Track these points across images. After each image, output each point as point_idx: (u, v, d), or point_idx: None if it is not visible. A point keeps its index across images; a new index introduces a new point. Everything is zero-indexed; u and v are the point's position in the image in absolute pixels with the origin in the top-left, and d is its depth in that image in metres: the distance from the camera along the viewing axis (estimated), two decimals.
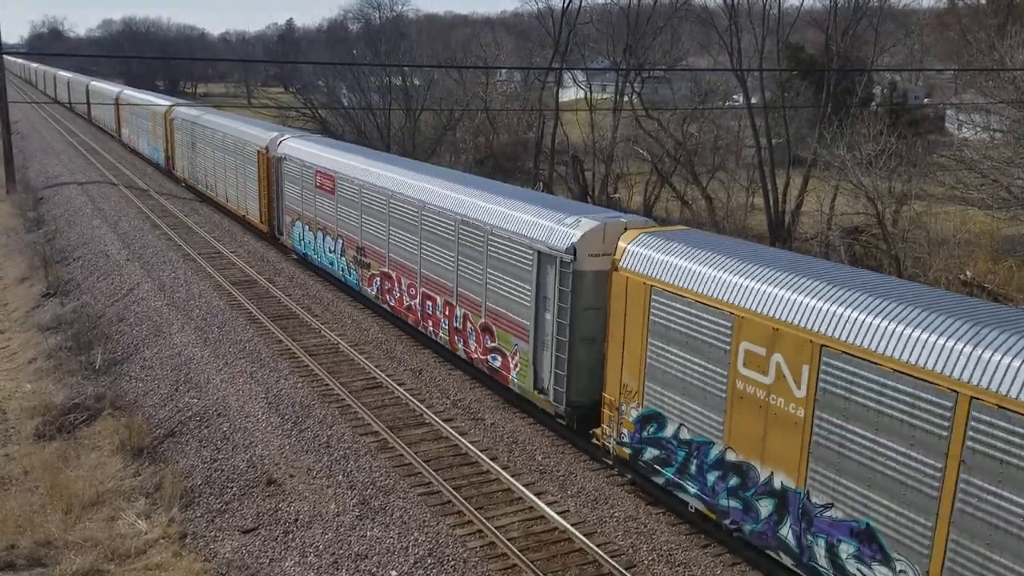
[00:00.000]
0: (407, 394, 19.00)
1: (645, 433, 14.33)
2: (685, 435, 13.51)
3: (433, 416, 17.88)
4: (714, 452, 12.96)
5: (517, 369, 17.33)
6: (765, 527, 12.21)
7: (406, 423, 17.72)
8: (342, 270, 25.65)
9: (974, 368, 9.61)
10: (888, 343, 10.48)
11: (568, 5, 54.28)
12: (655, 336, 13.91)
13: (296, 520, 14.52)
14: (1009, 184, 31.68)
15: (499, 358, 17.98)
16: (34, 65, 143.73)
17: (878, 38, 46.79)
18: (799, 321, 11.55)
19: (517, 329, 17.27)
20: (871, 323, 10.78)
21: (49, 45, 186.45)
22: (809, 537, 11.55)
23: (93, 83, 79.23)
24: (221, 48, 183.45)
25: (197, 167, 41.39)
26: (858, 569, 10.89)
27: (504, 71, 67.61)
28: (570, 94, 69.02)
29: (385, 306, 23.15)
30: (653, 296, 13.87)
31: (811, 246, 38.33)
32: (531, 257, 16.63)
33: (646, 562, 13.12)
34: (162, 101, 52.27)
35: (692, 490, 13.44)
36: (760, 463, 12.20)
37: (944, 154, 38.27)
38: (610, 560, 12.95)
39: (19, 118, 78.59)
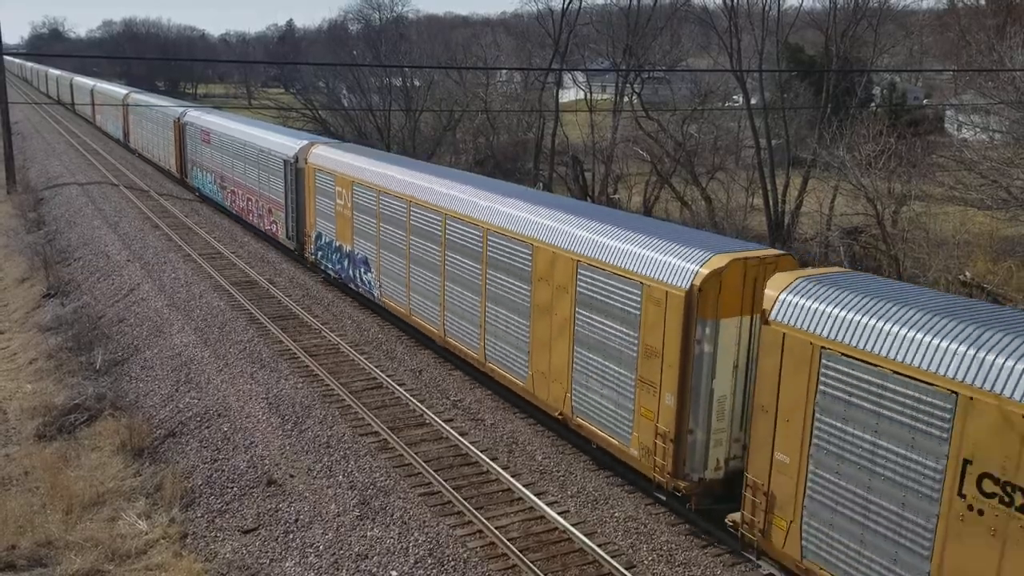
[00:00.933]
0: (407, 394, 19.02)
1: (318, 246, 27.19)
2: (327, 241, 26.34)
3: (433, 416, 17.90)
4: (334, 245, 25.71)
5: (281, 230, 30.82)
6: (346, 271, 25.33)
7: (406, 423, 17.75)
8: (214, 192, 39.40)
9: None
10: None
11: (568, 6, 54.32)
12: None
13: (296, 520, 14.54)
14: (1008, 185, 31.69)
15: (275, 226, 31.54)
16: (31, 65, 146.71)
17: (878, 39, 46.79)
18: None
19: (279, 207, 30.57)
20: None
21: (49, 46, 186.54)
22: (354, 271, 24.45)
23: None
24: (221, 49, 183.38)
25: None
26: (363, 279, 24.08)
27: (504, 72, 67.61)
28: (570, 95, 69.07)
29: (233, 209, 36.99)
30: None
31: (811, 247, 38.34)
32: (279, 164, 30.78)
33: (646, 562, 13.14)
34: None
35: (331, 267, 26.32)
36: (344, 243, 24.94)
37: (943, 155, 38.28)
38: (610, 560, 12.97)
39: (19, 119, 78.63)
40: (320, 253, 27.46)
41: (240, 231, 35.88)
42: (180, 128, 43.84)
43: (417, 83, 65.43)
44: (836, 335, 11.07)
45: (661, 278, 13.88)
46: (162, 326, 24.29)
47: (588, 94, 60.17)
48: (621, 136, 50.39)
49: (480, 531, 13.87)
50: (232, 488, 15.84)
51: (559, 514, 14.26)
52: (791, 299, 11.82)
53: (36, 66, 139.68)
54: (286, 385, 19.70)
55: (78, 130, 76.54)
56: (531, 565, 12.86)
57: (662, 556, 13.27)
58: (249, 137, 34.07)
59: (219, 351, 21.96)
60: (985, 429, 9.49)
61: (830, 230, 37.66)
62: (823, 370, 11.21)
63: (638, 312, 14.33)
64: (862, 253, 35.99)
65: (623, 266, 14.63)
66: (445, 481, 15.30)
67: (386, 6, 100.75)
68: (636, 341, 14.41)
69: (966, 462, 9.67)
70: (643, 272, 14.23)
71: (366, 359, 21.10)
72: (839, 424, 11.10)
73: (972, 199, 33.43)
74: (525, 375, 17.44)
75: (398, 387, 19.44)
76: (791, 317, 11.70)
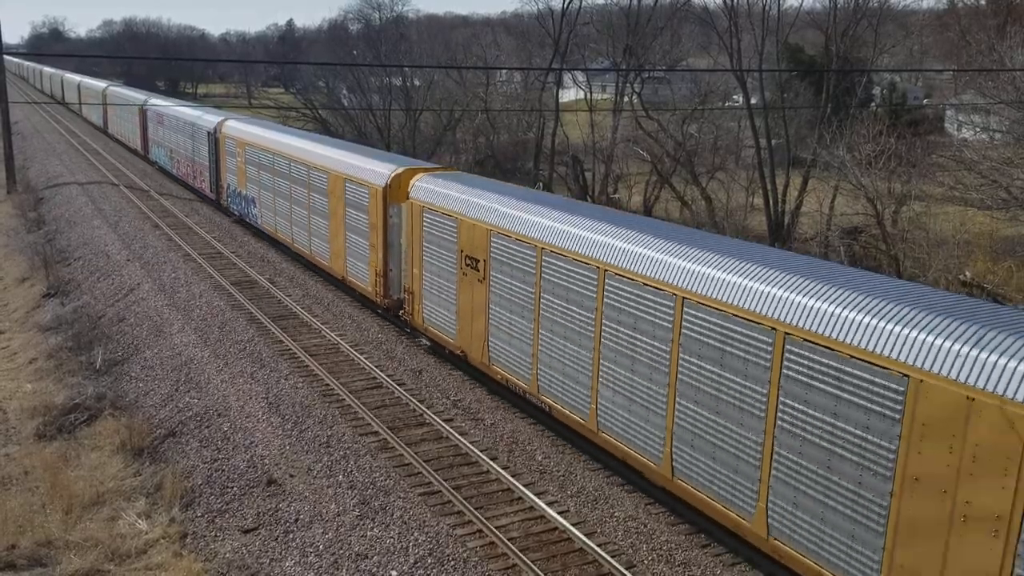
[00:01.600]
0: (407, 394, 19.03)
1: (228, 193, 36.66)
2: (233, 189, 35.44)
3: (433, 416, 17.91)
4: (237, 191, 35.01)
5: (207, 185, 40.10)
6: (243, 209, 34.67)
7: (406, 423, 17.75)
8: (167, 163, 48.56)
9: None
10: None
11: (568, 6, 54.36)
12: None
13: (296, 520, 14.55)
14: (1008, 184, 31.71)
15: (204, 183, 40.56)
16: (27, 64, 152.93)
17: (878, 39, 46.84)
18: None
19: (205, 168, 39.57)
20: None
21: (49, 46, 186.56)
22: (247, 208, 34.33)
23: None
24: (221, 49, 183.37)
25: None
26: (251, 213, 34.18)
27: (504, 72, 67.61)
28: (570, 95, 69.08)
29: (178, 175, 46.31)
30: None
31: (811, 246, 38.35)
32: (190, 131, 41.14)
33: (646, 562, 13.14)
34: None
35: (235, 207, 35.59)
36: (241, 189, 34.54)
37: (943, 155, 38.30)
38: (610, 560, 12.98)
39: (19, 118, 78.62)
40: (229, 199, 37.03)
41: (240, 231, 35.93)
42: (143, 114, 53.61)
43: (417, 83, 65.46)
44: (430, 200, 20.28)
45: (369, 180, 23.16)
46: (162, 326, 24.30)
47: (588, 94, 60.21)
48: (621, 136, 50.43)
49: (480, 531, 13.87)
50: (232, 488, 15.85)
51: (559, 514, 14.26)
52: (417, 186, 21.14)
53: (31, 64, 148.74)
54: (286, 385, 19.70)
55: (78, 129, 76.55)
56: (531, 565, 12.87)
57: (662, 556, 13.28)
58: (187, 117, 42.94)
59: (219, 351, 21.97)
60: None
61: (830, 230, 37.68)
62: (425, 222, 20.46)
63: (367, 200, 23.22)
64: (862, 253, 36.01)
65: (356, 176, 24.13)
66: (445, 481, 15.31)
67: (386, 6, 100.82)
68: (367, 219, 23.38)
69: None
70: (358, 177, 23.85)
71: (366, 359, 21.11)
72: (432, 247, 20.29)
73: (972, 199, 33.45)
74: (300, 241, 29.19)
75: (398, 387, 19.45)
76: (415, 195, 21.01)
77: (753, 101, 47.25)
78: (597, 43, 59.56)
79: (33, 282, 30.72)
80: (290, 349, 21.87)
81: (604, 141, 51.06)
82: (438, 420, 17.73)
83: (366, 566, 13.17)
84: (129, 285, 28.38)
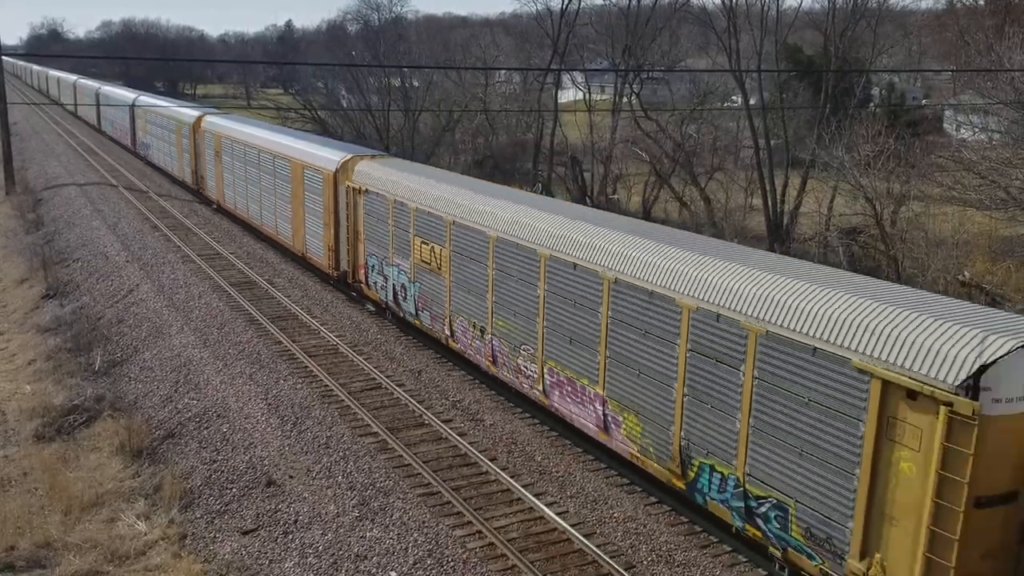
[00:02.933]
0: (406, 395, 19.02)
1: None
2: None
3: (432, 417, 17.90)
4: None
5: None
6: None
7: (405, 424, 17.75)
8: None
9: None
10: None
11: (567, 6, 54.34)
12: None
13: (296, 521, 14.54)
14: (1007, 185, 31.69)
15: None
16: (22, 64, 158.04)
17: (876, 39, 46.79)
18: None
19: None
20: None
21: (48, 46, 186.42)
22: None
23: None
24: (220, 49, 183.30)
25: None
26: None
27: (503, 72, 67.59)
28: (569, 95, 69.03)
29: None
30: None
31: (810, 247, 38.35)
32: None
33: (645, 562, 13.14)
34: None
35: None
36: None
37: (942, 155, 38.26)
38: (609, 561, 12.98)
39: (18, 119, 78.55)
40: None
41: (239, 231, 35.90)
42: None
43: (416, 83, 65.43)
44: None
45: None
46: (161, 327, 24.28)
47: (587, 94, 60.20)
48: (620, 136, 50.39)
49: (479, 531, 13.87)
50: (231, 489, 15.85)
51: (558, 514, 14.27)
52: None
53: (25, 64, 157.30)
54: (285, 386, 19.70)
55: (76, 130, 76.49)
56: (530, 565, 12.87)
57: (661, 556, 13.28)
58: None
59: (218, 352, 21.96)
60: None
61: (829, 230, 37.66)
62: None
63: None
64: (861, 253, 36.01)
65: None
66: (444, 482, 15.31)
67: (385, 6, 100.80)
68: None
69: None
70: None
71: (365, 360, 21.10)
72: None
73: (971, 199, 33.42)
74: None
75: (397, 388, 19.44)
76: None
77: (752, 101, 47.25)
78: (596, 44, 59.52)
79: (32, 283, 30.70)
80: (289, 350, 21.86)
81: (603, 141, 51.04)
82: (437, 421, 17.72)
83: (365, 567, 13.17)
84: (128, 286, 28.36)
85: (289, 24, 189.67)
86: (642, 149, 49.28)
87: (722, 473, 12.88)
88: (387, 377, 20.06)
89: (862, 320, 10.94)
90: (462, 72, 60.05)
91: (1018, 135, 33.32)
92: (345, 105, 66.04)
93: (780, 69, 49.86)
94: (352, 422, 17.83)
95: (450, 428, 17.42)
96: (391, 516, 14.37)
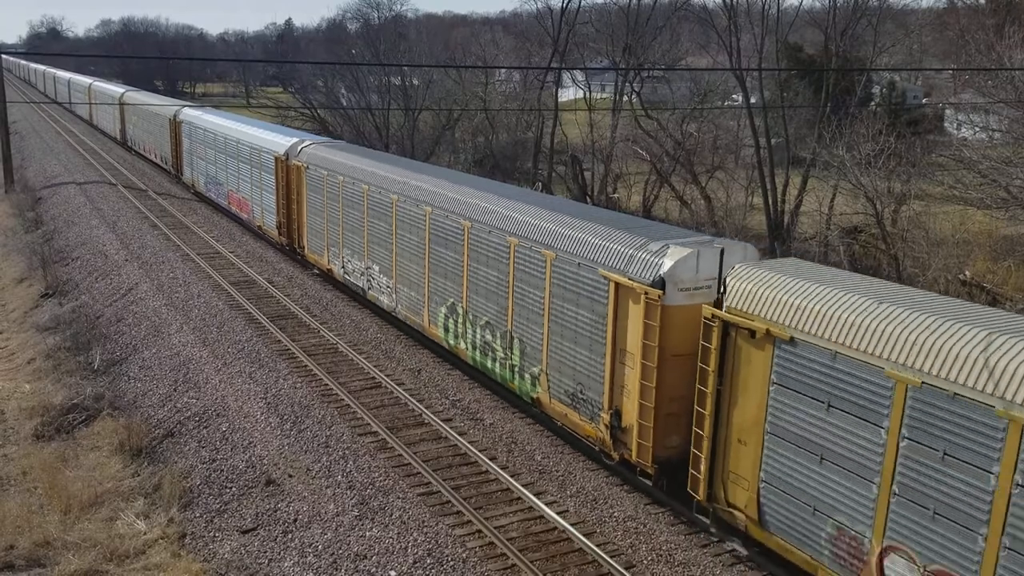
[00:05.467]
0: (406, 394, 18.99)
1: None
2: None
3: (432, 416, 17.87)
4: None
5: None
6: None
7: (405, 423, 17.71)
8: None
9: None
10: None
11: (567, 5, 54.27)
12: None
13: (295, 520, 14.51)
14: (1008, 184, 31.66)
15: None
16: (19, 61, 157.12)
17: (877, 38, 46.70)
18: None
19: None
20: None
21: (48, 45, 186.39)
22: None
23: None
24: (220, 48, 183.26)
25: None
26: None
27: (503, 71, 67.53)
28: (569, 94, 68.97)
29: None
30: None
31: (810, 246, 38.31)
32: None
33: (645, 562, 13.11)
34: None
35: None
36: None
37: (943, 154, 38.23)
38: (609, 560, 12.94)
39: (18, 118, 78.54)
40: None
41: (238, 231, 35.86)
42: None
43: (416, 82, 65.35)
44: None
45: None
46: (160, 326, 24.25)
47: (587, 93, 60.14)
48: (620, 135, 50.34)
49: (479, 531, 13.84)
50: (231, 488, 15.81)
51: (558, 514, 14.23)
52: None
53: (20, 61, 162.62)
54: (285, 385, 19.66)
55: (76, 129, 76.46)
56: (530, 565, 12.83)
57: (661, 556, 13.24)
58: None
59: (217, 351, 21.92)
60: None
61: (829, 229, 37.60)
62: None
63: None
64: (861, 252, 35.98)
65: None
66: (444, 481, 15.28)
67: (384, 5, 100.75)
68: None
69: None
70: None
71: (364, 358, 21.07)
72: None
73: (971, 198, 33.39)
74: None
75: (397, 387, 19.41)
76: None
77: (752, 100, 47.19)
78: (596, 42, 59.45)
79: (31, 282, 30.67)
80: (288, 349, 21.83)
81: (603, 140, 50.98)
82: (437, 420, 17.69)
83: (365, 566, 13.14)
84: (127, 285, 28.33)
85: (289, 22, 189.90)
86: (642, 148, 49.23)
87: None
88: (387, 376, 20.03)
89: None
90: (462, 71, 60.00)
91: (1019, 134, 33.30)
92: (345, 104, 65.97)
93: (781, 68, 49.82)
94: (352, 421, 17.80)
95: (450, 427, 17.39)
96: (391, 515, 14.34)
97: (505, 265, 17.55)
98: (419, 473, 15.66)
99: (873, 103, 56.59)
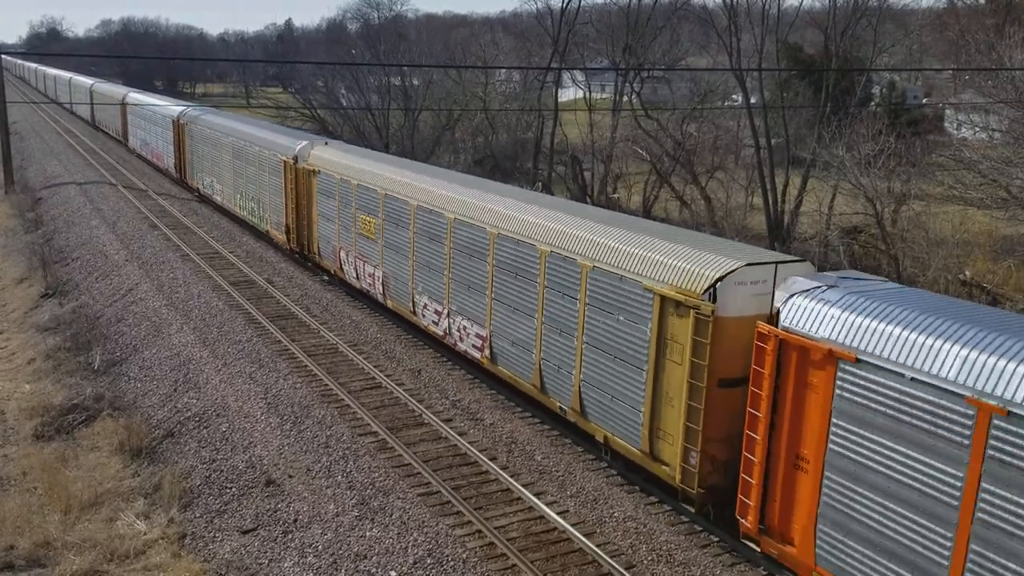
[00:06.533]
0: (406, 394, 18.99)
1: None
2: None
3: (432, 416, 17.87)
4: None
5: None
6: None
7: (405, 423, 17.71)
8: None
9: None
10: None
11: (567, 5, 54.30)
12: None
13: (295, 520, 14.51)
14: (1008, 184, 31.67)
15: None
16: (17, 61, 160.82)
17: (877, 38, 46.73)
18: None
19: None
20: None
21: (47, 45, 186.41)
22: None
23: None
24: (220, 48, 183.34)
25: None
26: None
27: (503, 71, 67.54)
28: (569, 94, 68.99)
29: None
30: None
31: (810, 246, 38.32)
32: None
33: (645, 562, 13.11)
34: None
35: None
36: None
37: (943, 154, 38.24)
38: (609, 560, 12.94)
39: (17, 118, 78.54)
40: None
41: (238, 231, 35.86)
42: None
43: (416, 82, 65.37)
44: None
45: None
46: (160, 326, 24.25)
47: (587, 93, 60.15)
48: (620, 135, 50.36)
49: (479, 531, 13.84)
50: (231, 488, 15.81)
51: (558, 514, 14.23)
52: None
53: (17, 60, 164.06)
54: (285, 385, 19.66)
55: (76, 129, 76.47)
56: (530, 565, 12.83)
57: (661, 556, 13.25)
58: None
59: (217, 351, 21.92)
60: None
61: (829, 229, 37.62)
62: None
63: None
64: (861, 252, 35.98)
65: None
66: (444, 481, 15.28)
67: (385, 5, 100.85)
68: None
69: None
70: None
71: (365, 359, 21.07)
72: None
73: (971, 198, 33.40)
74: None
75: (397, 387, 19.41)
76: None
77: (752, 100, 47.21)
78: (596, 42, 59.49)
79: (31, 282, 30.67)
80: (288, 349, 21.83)
81: (603, 141, 51.01)
82: (437, 420, 17.69)
83: (365, 566, 13.14)
84: (127, 285, 28.33)
85: (289, 23, 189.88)
86: (642, 148, 49.24)
87: None
88: (387, 376, 20.03)
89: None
90: (462, 71, 60.01)
91: (1019, 134, 33.30)
92: (345, 104, 65.98)
93: (781, 68, 49.83)
94: (352, 421, 17.80)
95: (450, 427, 17.39)
96: (391, 515, 14.34)
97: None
98: (419, 473, 15.66)
99: (873, 103, 56.60)
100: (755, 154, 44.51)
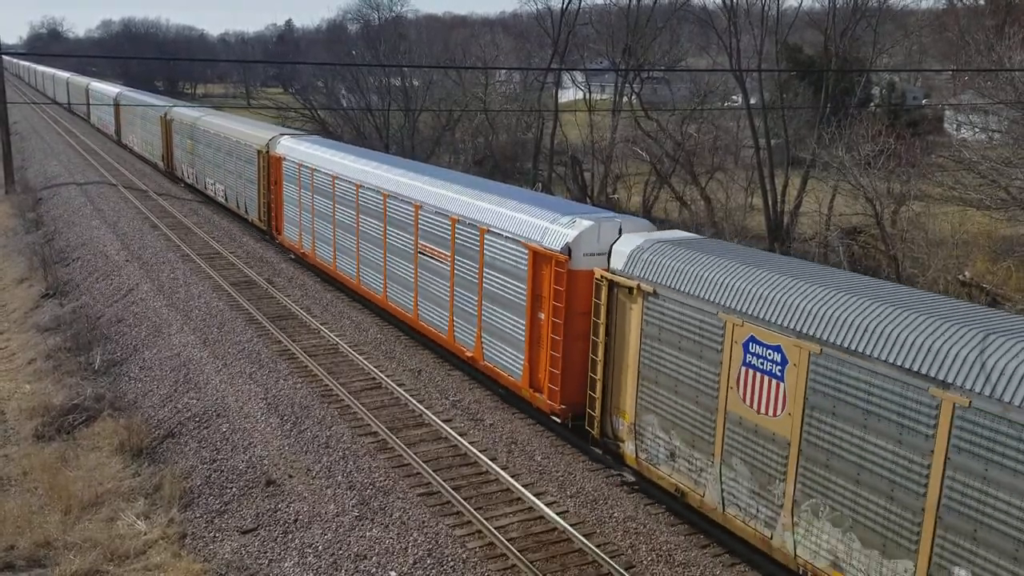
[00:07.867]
0: (406, 394, 19.01)
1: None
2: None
3: (432, 416, 17.89)
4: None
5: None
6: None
7: (405, 424, 17.73)
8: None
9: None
10: None
11: (567, 6, 54.32)
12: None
13: (295, 520, 14.53)
14: (1007, 185, 31.67)
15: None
16: (15, 60, 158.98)
17: (877, 39, 46.77)
18: None
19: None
20: None
21: (48, 46, 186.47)
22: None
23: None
24: (220, 49, 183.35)
25: None
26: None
27: (503, 72, 67.56)
28: (569, 95, 69.04)
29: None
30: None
31: (810, 247, 38.34)
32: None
33: (645, 562, 13.13)
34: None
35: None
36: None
37: (942, 155, 38.26)
38: (609, 560, 12.96)
39: (17, 118, 78.56)
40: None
41: (238, 231, 35.88)
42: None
43: (416, 83, 65.38)
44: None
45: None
46: (161, 326, 24.27)
47: (587, 94, 60.18)
48: (620, 136, 50.38)
49: (479, 531, 13.86)
50: (231, 488, 15.83)
51: (558, 514, 14.25)
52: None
53: (16, 60, 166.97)
54: (285, 385, 19.68)
55: (76, 129, 76.49)
56: (530, 565, 12.85)
57: (661, 556, 13.27)
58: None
59: (218, 351, 21.94)
60: None
61: (829, 230, 37.64)
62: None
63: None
64: (861, 253, 36.00)
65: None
66: (444, 481, 15.29)
67: (385, 6, 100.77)
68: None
69: None
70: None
71: (365, 359, 21.09)
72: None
73: (971, 199, 33.39)
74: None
75: (397, 387, 19.43)
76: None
77: (752, 101, 47.23)
78: (596, 43, 59.51)
79: (32, 282, 30.68)
80: (289, 349, 21.85)
81: (603, 141, 51.03)
82: (437, 420, 17.71)
83: (365, 566, 13.16)
84: (128, 285, 28.35)
85: (289, 23, 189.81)
86: (642, 149, 49.27)
87: None
88: (387, 376, 20.05)
89: None
90: (462, 72, 60.04)
91: (1018, 135, 33.30)
92: (345, 104, 65.99)
93: (780, 69, 49.86)
94: (352, 421, 17.82)
95: (450, 427, 17.41)
96: (391, 515, 14.36)
97: None
98: (419, 473, 15.68)
99: (873, 104, 56.63)
100: (755, 155, 44.54)
